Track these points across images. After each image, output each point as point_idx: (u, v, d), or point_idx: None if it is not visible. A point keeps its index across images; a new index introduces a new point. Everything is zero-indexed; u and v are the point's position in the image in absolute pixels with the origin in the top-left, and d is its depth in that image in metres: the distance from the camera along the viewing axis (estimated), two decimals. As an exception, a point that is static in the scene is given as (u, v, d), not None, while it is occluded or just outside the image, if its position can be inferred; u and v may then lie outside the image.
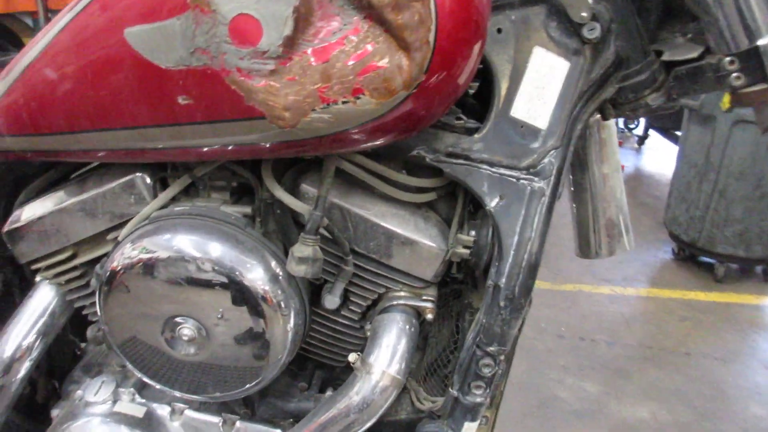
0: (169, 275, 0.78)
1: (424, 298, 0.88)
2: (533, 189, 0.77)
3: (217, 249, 0.77)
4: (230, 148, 0.69)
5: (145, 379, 0.88)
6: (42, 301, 0.95)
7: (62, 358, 1.12)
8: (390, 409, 0.87)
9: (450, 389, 0.85)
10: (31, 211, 0.89)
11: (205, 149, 0.71)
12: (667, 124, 4.92)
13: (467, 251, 0.83)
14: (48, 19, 5.02)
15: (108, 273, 0.81)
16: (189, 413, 0.97)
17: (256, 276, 0.77)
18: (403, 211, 0.86)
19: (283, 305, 0.79)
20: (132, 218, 0.84)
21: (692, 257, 3.54)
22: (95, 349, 1.13)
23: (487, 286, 0.80)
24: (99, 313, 0.84)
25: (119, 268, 0.80)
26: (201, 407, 0.98)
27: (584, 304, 3.11)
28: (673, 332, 2.93)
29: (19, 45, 5.29)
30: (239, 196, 0.86)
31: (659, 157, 5.72)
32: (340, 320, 0.91)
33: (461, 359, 0.83)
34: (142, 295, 0.79)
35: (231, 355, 0.82)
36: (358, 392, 0.82)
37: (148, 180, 0.83)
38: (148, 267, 0.78)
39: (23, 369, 0.95)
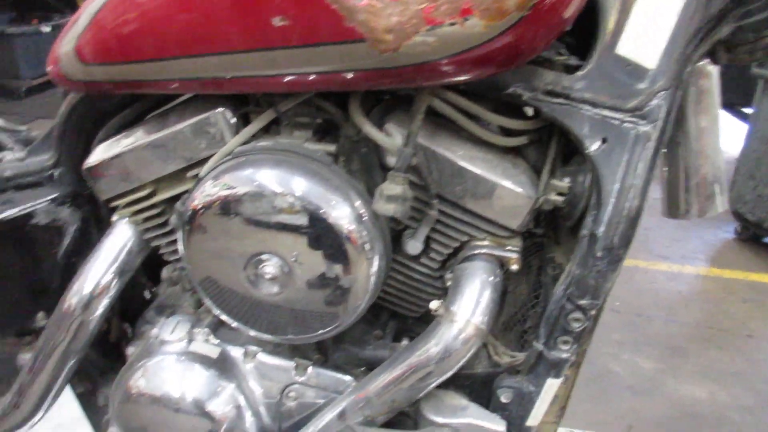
0: (252, 212, 0.76)
1: (509, 248, 0.84)
2: (638, 133, 0.72)
3: (301, 185, 0.75)
4: (323, 77, 0.67)
5: (224, 317, 0.87)
6: (119, 239, 0.95)
7: (134, 300, 1.13)
8: (467, 363, 0.84)
9: (534, 343, 0.81)
10: (111, 148, 0.89)
11: (296, 78, 0.68)
12: (735, 100, 4.67)
13: (560, 198, 0.79)
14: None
15: (189, 210, 0.80)
16: (262, 356, 0.97)
17: (341, 214, 0.75)
18: (492, 155, 0.82)
19: (367, 247, 0.77)
20: (213, 155, 0.82)
21: (756, 237, 3.38)
22: (168, 291, 1.13)
23: (581, 236, 0.76)
24: (180, 250, 0.83)
25: (201, 204, 0.79)
26: (274, 351, 0.97)
27: (640, 280, 3.02)
28: (735, 313, 2.81)
29: (74, 9, 5.40)
30: (322, 134, 0.83)
31: (724, 134, 5.46)
32: (419, 268, 0.88)
33: (548, 312, 0.80)
34: (225, 232, 0.78)
35: (311, 297, 0.80)
36: (439, 341, 0.80)
37: (230, 116, 0.82)
38: (231, 203, 0.76)
39: (101, 306, 0.95)
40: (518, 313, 0.95)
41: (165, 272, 1.03)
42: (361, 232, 0.76)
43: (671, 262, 3.23)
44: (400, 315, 0.98)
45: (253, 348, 0.97)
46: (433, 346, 0.80)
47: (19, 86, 5.19)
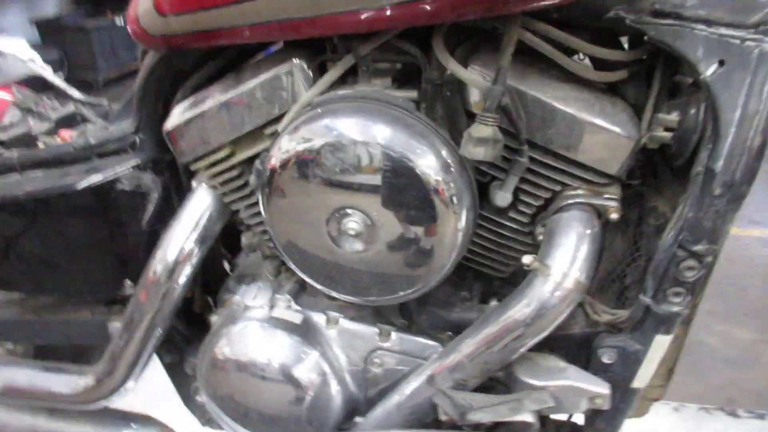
0: (333, 164, 0.73)
1: (607, 196, 0.77)
2: (762, 51, 0.63)
3: (384, 133, 0.71)
4: (403, 9, 0.62)
5: (307, 280, 0.85)
6: (199, 206, 0.94)
7: (215, 272, 1.13)
8: (562, 323, 0.78)
9: (641, 297, 0.75)
10: (187, 110, 0.88)
11: (375, 14, 0.63)
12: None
13: (668, 135, 0.71)
14: None
15: (268, 168, 0.78)
16: (344, 322, 0.94)
17: (427, 163, 0.70)
18: (587, 94, 0.75)
19: (455, 200, 0.72)
20: (290, 110, 0.79)
21: None
22: (247, 261, 1.13)
23: (694, 174, 0.68)
24: (261, 211, 0.81)
25: (280, 160, 0.76)
26: (356, 317, 0.95)
27: (732, 247, 2.80)
28: (838, 279, 2.59)
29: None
30: (402, 81, 0.78)
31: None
32: (506, 223, 0.83)
33: (656, 262, 0.73)
34: (305, 188, 0.75)
35: (395, 254, 0.76)
36: (534, 297, 0.74)
37: (306, 67, 0.78)
38: (311, 157, 0.73)
39: (185, 273, 0.95)
40: (616, 270, 0.88)
41: (244, 239, 1.02)
42: (449, 183, 0.71)
43: (764, 227, 3.00)
44: (485, 276, 0.93)
45: (335, 314, 0.95)
46: (528, 303, 0.75)
47: (96, 78, 5.43)
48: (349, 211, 0.74)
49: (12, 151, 1.04)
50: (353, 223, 0.75)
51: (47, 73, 1.31)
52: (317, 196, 0.75)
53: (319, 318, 0.95)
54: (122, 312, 1.09)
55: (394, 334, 0.92)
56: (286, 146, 0.75)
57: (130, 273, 1.02)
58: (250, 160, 0.87)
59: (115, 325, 1.07)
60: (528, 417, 0.77)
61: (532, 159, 0.76)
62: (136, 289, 0.97)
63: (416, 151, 0.70)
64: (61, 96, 1.31)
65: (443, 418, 0.76)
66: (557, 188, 0.78)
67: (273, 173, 0.77)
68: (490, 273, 0.89)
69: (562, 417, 0.97)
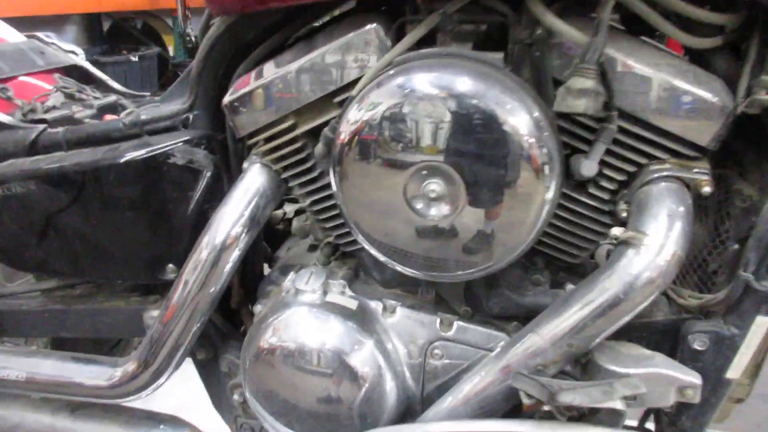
0: (418, 121, 0.69)
1: (696, 170, 0.73)
2: None
3: (474, 88, 0.67)
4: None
5: (376, 254, 0.79)
6: (252, 186, 0.90)
7: (253, 262, 1.08)
8: (644, 309, 0.73)
9: (741, 272, 0.70)
10: (252, 79, 0.85)
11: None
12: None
13: None
14: (186, 18, 5.36)
15: (343, 132, 0.74)
16: (402, 311, 0.89)
17: (520, 121, 0.67)
18: (679, 61, 0.72)
19: (546, 162, 0.68)
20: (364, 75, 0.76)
21: None
22: (290, 253, 1.08)
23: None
24: (333, 179, 0.77)
25: (357, 123, 0.72)
26: (415, 305, 0.89)
27: None
28: None
29: (159, 42, 5.69)
30: (481, 49, 0.76)
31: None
32: (585, 200, 0.78)
33: (758, 234, 0.68)
34: (385, 149, 0.71)
35: (478, 222, 0.71)
36: (627, 271, 0.69)
37: (383, 32, 0.76)
38: (394, 115, 0.70)
39: (232, 258, 0.90)
40: (699, 256, 0.83)
41: (296, 223, 0.97)
42: (541, 144, 0.68)
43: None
44: (552, 265, 0.88)
45: (392, 302, 0.89)
46: (620, 277, 0.70)
47: (111, 110, 5.44)
48: (430, 173, 0.70)
49: (57, 129, 1.00)
50: (435, 185, 0.70)
51: (88, 64, 1.29)
52: (397, 159, 0.71)
53: (375, 305, 0.90)
54: (158, 302, 1.03)
55: (456, 324, 0.87)
56: (364, 107, 0.72)
57: (174, 256, 0.96)
58: (313, 132, 0.84)
59: (152, 315, 1.00)
60: (618, 404, 0.70)
61: (620, 128, 0.72)
62: (180, 274, 0.91)
63: (508, 108, 0.67)
64: (102, 89, 1.29)
65: (527, 402, 0.70)
66: (643, 161, 0.75)
67: (348, 138, 0.73)
68: (560, 258, 0.85)
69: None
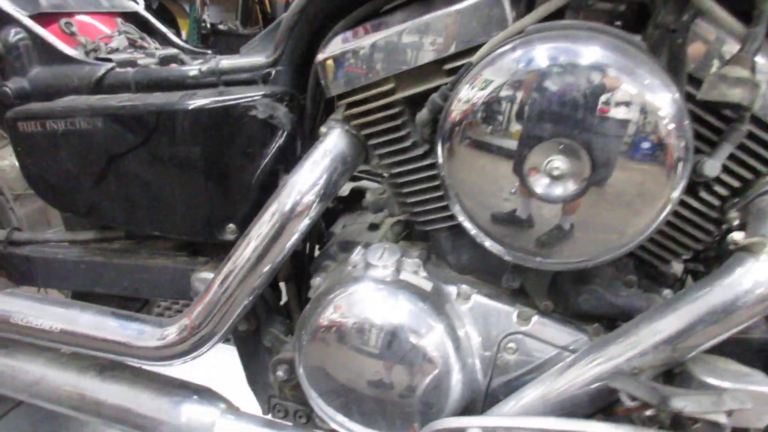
0: (548, 89, 0.64)
1: None
2: None
3: (616, 63, 0.63)
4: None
5: (475, 234, 0.75)
6: (331, 152, 0.85)
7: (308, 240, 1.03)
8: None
9: None
10: (354, 37, 0.80)
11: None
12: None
13: None
14: (204, 4, 5.32)
15: (458, 100, 0.69)
16: (478, 298, 0.84)
17: (662, 107, 0.63)
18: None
19: (680, 163, 0.64)
20: (484, 43, 0.72)
21: None
22: (347, 230, 1.03)
23: None
24: (440, 151, 0.72)
25: (478, 91, 0.68)
26: (492, 294, 0.85)
27: None
28: None
29: (173, 24, 5.63)
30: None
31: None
32: (694, 203, 0.75)
33: None
34: (507, 121, 0.67)
35: (599, 205, 0.67)
36: (748, 276, 0.65)
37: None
38: (522, 83, 0.65)
39: (301, 227, 0.85)
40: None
41: (369, 196, 0.92)
42: (680, 136, 0.64)
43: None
44: (646, 265, 0.83)
45: (467, 288, 0.85)
46: (737, 284, 0.66)
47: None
48: (556, 150, 0.66)
49: (126, 69, 0.94)
50: (559, 163, 0.66)
51: (149, 14, 1.24)
52: (522, 133, 0.67)
53: (450, 290, 0.85)
54: (209, 264, 0.97)
55: (535, 318, 0.82)
56: (489, 76, 0.68)
57: (236, 217, 0.91)
58: (412, 99, 0.79)
59: (202, 277, 0.95)
60: (721, 417, 0.66)
61: (749, 133, 0.69)
62: (243, 237, 0.86)
63: (653, 91, 0.63)
64: (160, 40, 1.23)
65: (630, 404, 0.65)
66: (765, 169, 0.71)
67: (465, 108, 0.69)
68: (652, 261, 0.81)
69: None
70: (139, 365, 1.00)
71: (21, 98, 0.93)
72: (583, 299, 0.80)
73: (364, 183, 1.18)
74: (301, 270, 1.04)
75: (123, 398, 0.96)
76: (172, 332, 0.88)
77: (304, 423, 1.01)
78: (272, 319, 1.01)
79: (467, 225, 0.76)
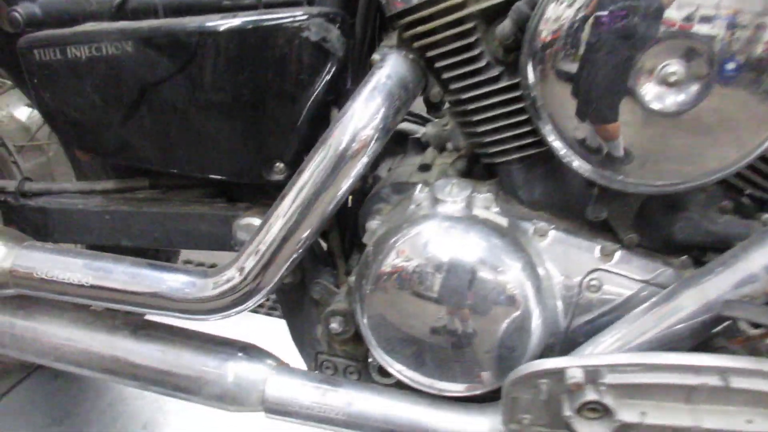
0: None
1: None
2: None
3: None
4: None
5: (575, 164, 0.68)
6: (390, 78, 0.77)
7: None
8: None
9: None
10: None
11: None
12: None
13: None
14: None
15: (554, 7, 0.62)
16: (557, 235, 0.78)
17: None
18: None
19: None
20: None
21: None
22: (395, 174, 0.95)
23: None
24: (530, 67, 0.65)
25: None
26: (570, 229, 0.78)
27: None
28: None
29: None
30: None
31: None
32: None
33: None
34: (615, 19, 0.59)
35: (717, 115, 0.61)
36: None
37: None
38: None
39: (358, 165, 0.77)
40: None
41: (431, 129, 0.85)
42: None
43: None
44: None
45: (544, 224, 0.78)
46: None
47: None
48: (670, 51, 0.59)
49: (151, -9, 0.84)
50: (675, 66, 0.59)
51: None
52: (635, 34, 0.59)
53: (525, 226, 0.78)
54: (252, 210, 0.89)
55: (618, 253, 0.76)
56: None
57: (285, 154, 0.82)
58: (484, 14, 0.71)
59: (245, 223, 0.86)
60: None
61: None
62: (296, 177, 0.78)
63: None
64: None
65: (752, 332, 0.60)
66: None
67: (568, 16, 0.61)
68: (751, 189, 0.75)
69: None
70: (173, 323, 0.92)
71: (32, 25, 0.82)
72: (678, 228, 0.74)
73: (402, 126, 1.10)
74: (344, 217, 0.97)
75: (162, 359, 0.88)
76: (218, 284, 0.80)
77: (356, 380, 0.95)
78: (319, 270, 0.93)
79: (557, 145, 0.69)
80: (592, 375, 0.66)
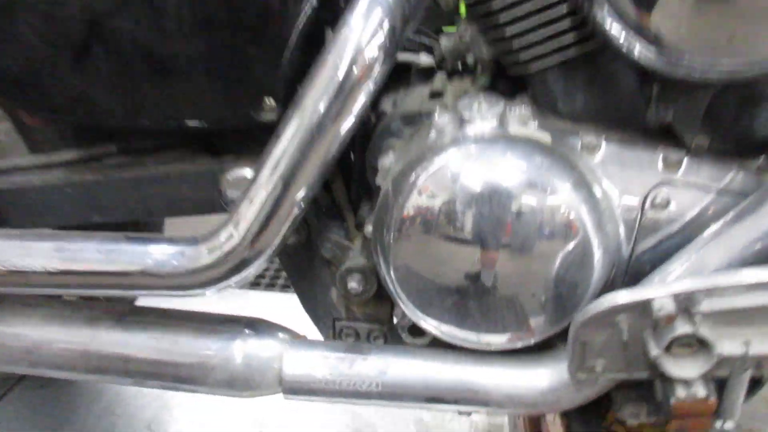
0: None
1: None
2: None
3: None
4: None
5: (636, 49, 0.55)
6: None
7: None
8: None
9: None
10: None
11: None
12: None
13: None
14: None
15: None
16: (609, 147, 0.66)
17: None
18: None
19: None
20: None
21: None
22: (403, 105, 0.81)
23: None
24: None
25: None
26: (623, 140, 0.66)
27: None
28: None
29: None
30: None
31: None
32: None
33: None
34: None
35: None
36: None
37: None
38: None
39: (363, 94, 0.64)
40: None
41: (445, 41, 0.71)
42: None
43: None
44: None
45: (592, 137, 0.66)
46: None
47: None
48: None
49: None
50: None
51: None
52: None
53: (571, 141, 0.66)
54: (241, 161, 0.75)
55: (686, 161, 0.65)
56: None
57: (275, 88, 0.68)
58: None
59: (235, 177, 0.73)
60: None
61: None
62: (288, 114, 0.64)
63: None
64: None
65: None
66: None
67: None
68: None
69: None
70: (164, 307, 0.79)
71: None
72: (760, 123, 0.62)
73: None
74: (347, 162, 0.83)
75: (156, 348, 0.75)
76: (213, 249, 0.67)
77: (383, 344, 0.83)
78: (326, 225, 0.80)
79: (615, 31, 0.56)
80: (685, 303, 0.54)
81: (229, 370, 0.74)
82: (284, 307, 1.04)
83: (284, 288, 1.80)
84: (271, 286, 1.83)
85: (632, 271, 0.67)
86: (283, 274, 1.81)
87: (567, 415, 0.77)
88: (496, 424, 1.13)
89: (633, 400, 0.68)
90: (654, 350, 0.56)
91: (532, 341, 0.68)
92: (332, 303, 0.83)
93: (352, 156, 0.83)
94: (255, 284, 1.85)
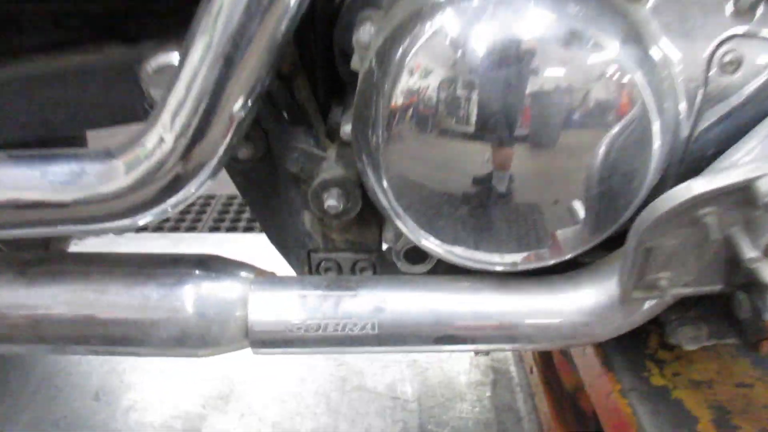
0: None
1: None
2: None
3: None
4: None
5: None
6: None
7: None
8: None
9: None
10: None
11: None
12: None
13: None
14: None
15: None
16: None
17: None
18: None
19: None
20: None
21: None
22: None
23: None
24: None
25: None
26: None
27: None
28: None
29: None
30: None
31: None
32: None
33: None
34: None
35: None
36: None
37: None
38: None
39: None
40: None
41: None
42: None
43: None
44: None
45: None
46: None
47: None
48: None
49: None
50: None
51: None
52: None
53: (614, -13, 0.49)
54: (164, 47, 0.56)
55: (762, 7, 0.49)
56: None
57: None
58: None
59: (159, 65, 0.53)
60: None
61: None
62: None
63: None
64: None
65: None
66: None
67: None
68: None
69: None
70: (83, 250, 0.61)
71: None
72: None
73: None
74: (309, 51, 0.65)
75: (74, 304, 0.57)
76: (133, 164, 0.48)
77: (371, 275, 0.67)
78: (291, 133, 0.62)
79: None
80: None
81: (178, 324, 0.57)
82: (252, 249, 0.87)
83: (248, 229, 1.63)
84: (233, 230, 1.65)
85: (691, 158, 0.52)
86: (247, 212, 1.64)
87: (602, 344, 0.64)
88: (498, 359, 1.01)
89: (691, 321, 0.54)
90: (749, 253, 0.41)
91: (567, 256, 0.53)
92: (305, 231, 0.66)
93: (313, 42, 0.64)
94: (215, 228, 1.67)
